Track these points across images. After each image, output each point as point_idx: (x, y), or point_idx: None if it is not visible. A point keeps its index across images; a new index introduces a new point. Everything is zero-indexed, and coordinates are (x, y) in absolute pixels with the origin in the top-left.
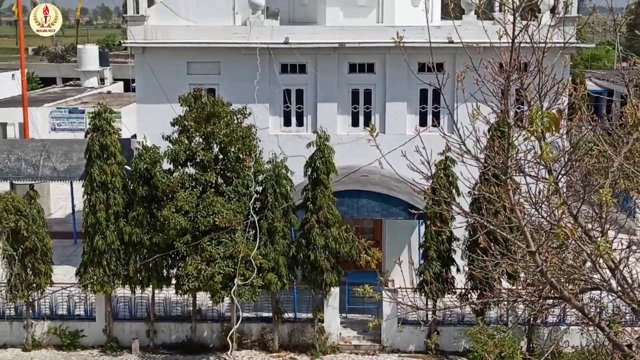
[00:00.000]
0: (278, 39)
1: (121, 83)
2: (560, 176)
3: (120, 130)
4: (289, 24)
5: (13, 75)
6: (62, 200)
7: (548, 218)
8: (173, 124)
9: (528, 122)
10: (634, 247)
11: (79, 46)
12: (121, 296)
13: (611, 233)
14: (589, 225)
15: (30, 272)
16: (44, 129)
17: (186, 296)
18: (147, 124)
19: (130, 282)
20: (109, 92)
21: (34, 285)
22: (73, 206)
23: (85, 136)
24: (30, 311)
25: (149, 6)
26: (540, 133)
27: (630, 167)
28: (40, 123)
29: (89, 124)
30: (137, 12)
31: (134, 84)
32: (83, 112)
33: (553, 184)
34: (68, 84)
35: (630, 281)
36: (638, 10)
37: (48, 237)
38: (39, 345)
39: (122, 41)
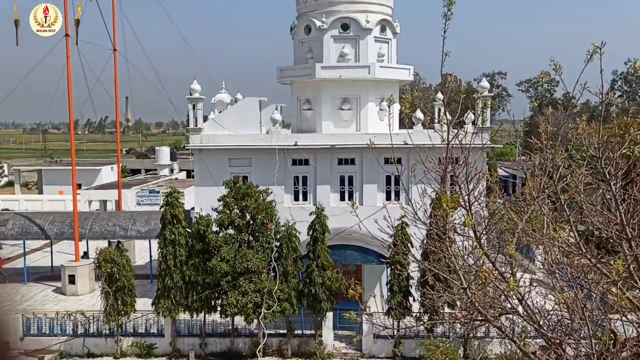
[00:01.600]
0: (290, 142)
1: (184, 172)
2: (481, 235)
3: (184, 204)
4: (297, 132)
5: (112, 168)
6: (143, 252)
7: (474, 264)
8: (219, 200)
9: (441, 204)
10: (534, 284)
11: (156, 147)
12: (182, 319)
13: (518, 274)
14: (503, 269)
15: (120, 303)
16: (132, 204)
17: (227, 319)
18: (202, 200)
19: (189, 309)
20: (176, 179)
21: (122, 312)
22: (150, 256)
23: (160, 209)
24: (119, 330)
25: (204, 121)
26: (468, 207)
27: (529, 229)
28: (129, 200)
29: (163, 200)
30: (196, 125)
31: (193, 173)
32: (158, 192)
33: (477, 241)
34: (149, 173)
35: (532, 308)
36: (531, 122)
37: (133, 279)
38: (124, 354)
39: (185, 145)
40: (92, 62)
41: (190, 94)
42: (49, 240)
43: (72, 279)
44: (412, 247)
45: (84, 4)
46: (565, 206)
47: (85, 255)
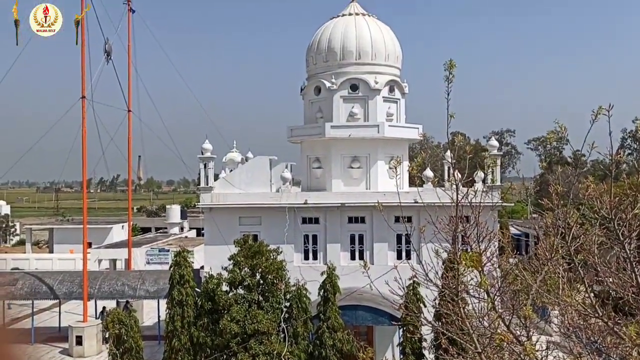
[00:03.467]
0: (300, 201)
1: (194, 230)
2: (495, 297)
3: (193, 263)
4: (307, 191)
5: (122, 226)
6: (151, 312)
7: (489, 327)
8: (229, 259)
9: (461, 261)
10: (551, 346)
11: (167, 206)
12: None
13: (535, 337)
14: (518, 332)
15: None
16: (141, 263)
17: None
18: (212, 258)
19: None
20: (186, 237)
21: None
22: (159, 317)
23: (169, 268)
24: None
25: (215, 180)
26: (479, 268)
27: (544, 290)
28: (139, 259)
29: (172, 260)
30: (207, 184)
31: (203, 231)
32: (168, 251)
33: (490, 302)
34: (159, 231)
35: None
36: (541, 180)
37: (140, 340)
38: None
39: (196, 203)
40: (105, 119)
41: (202, 153)
42: (57, 300)
43: (79, 340)
44: (425, 307)
45: (101, 66)
46: (580, 267)
47: (103, 312)
